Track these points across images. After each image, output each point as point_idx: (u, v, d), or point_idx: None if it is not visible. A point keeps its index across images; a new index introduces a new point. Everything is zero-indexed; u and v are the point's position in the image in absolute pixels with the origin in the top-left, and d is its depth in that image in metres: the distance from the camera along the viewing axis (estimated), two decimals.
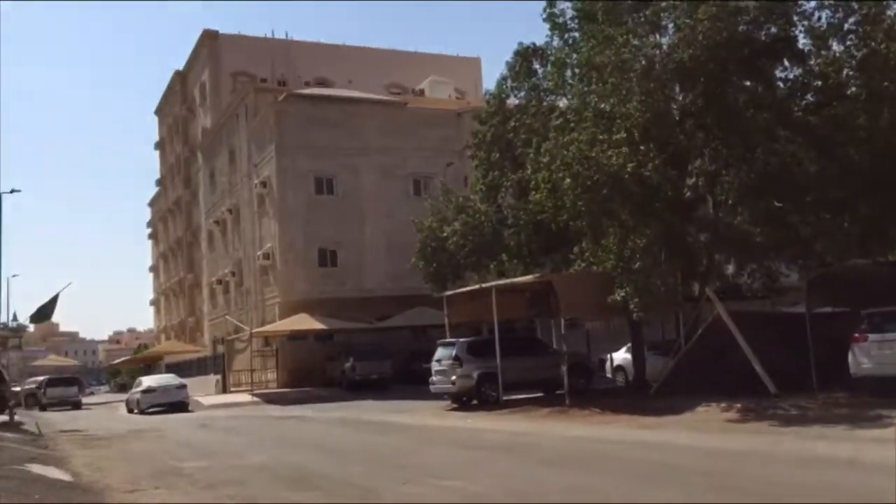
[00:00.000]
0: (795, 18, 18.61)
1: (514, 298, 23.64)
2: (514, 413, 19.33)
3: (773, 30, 18.38)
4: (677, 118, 19.06)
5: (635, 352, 22.96)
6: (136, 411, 31.47)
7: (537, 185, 18.93)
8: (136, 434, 19.89)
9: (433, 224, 24.39)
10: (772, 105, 18.07)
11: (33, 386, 46.93)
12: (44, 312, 23.64)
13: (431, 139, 41.09)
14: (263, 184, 40.20)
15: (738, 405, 15.93)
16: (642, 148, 17.50)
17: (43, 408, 41.55)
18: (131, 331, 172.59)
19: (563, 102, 23.11)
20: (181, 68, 66.12)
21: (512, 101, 24.79)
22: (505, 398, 21.60)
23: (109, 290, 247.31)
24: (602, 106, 18.64)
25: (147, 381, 32.88)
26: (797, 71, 19.02)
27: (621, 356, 25.27)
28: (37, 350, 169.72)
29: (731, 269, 21.72)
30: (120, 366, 70.37)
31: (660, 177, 17.56)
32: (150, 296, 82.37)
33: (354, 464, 11.53)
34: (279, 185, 39.05)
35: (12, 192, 37.86)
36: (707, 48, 17.45)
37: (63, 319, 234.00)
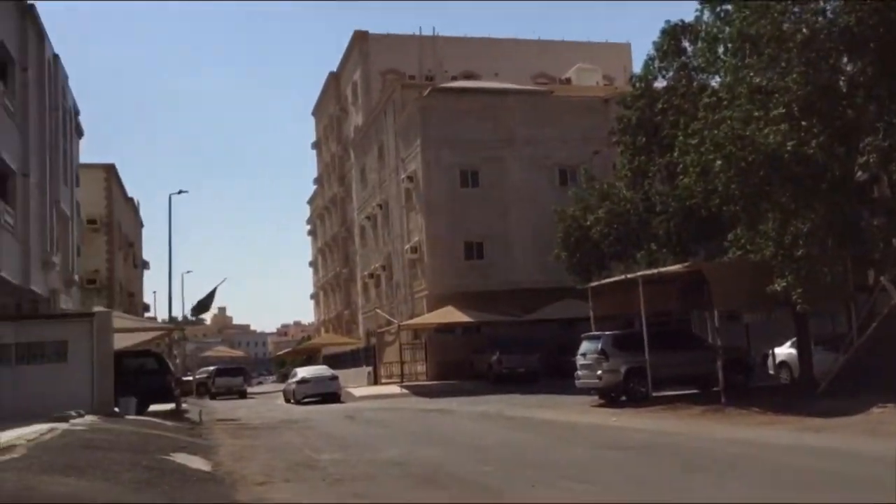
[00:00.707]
0: None
1: (663, 290, 22.47)
2: (664, 411, 18.29)
3: None
4: (844, 90, 17.30)
5: (801, 346, 21.25)
6: (292, 401, 32.58)
7: (686, 168, 17.76)
8: (286, 424, 20.40)
9: (576, 212, 23.54)
10: None
11: (204, 375, 49.85)
12: (202, 306, 24.87)
13: (578, 128, 40.10)
14: (410, 178, 40.64)
15: None
16: (804, 124, 15.99)
17: (212, 396, 43.96)
18: (297, 323, 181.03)
19: (714, 82, 21.71)
20: (335, 69, 68.21)
21: (659, 84, 23.58)
22: (655, 394, 20.56)
23: (278, 285, 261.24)
24: (758, 80, 17.20)
25: (302, 372, 33.99)
26: None
27: (785, 351, 23.48)
28: (213, 341, 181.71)
29: None
30: (284, 356, 73.70)
31: (825, 155, 15.99)
32: (311, 290, 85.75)
33: (488, 461, 11.10)
34: (425, 179, 39.32)
35: (180, 192, 40.49)
36: (878, 11, 15.70)
37: (236, 312, 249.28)
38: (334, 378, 32.87)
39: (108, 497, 7.27)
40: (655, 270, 20.23)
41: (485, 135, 40.01)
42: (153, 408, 24.54)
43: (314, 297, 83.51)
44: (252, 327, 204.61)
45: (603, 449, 12.04)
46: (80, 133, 39.40)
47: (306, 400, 31.50)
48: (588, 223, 22.81)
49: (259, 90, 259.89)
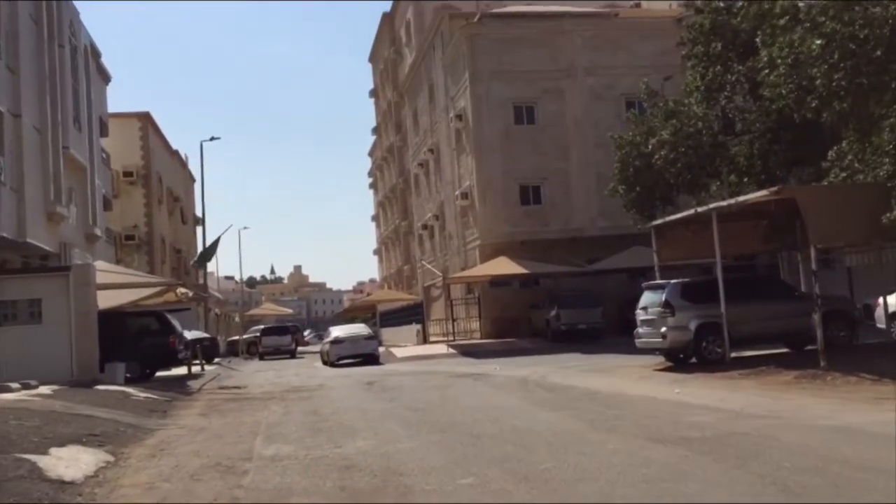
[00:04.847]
0: None
1: (744, 228, 18.36)
2: (745, 378, 14.38)
3: None
4: None
5: None
6: (327, 363, 29.69)
7: (772, 60, 13.54)
8: (288, 393, 17.35)
9: (636, 138, 19.44)
10: None
11: (255, 335, 47.68)
12: (205, 256, 22.10)
13: (647, 53, 35.32)
14: (459, 117, 36.81)
15: None
16: None
17: (261, 357, 41.74)
18: (372, 281, 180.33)
19: None
20: (389, 10, 64.34)
21: None
22: (734, 355, 16.67)
23: (352, 243, 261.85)
24: None
25: (336, 331, 30.91)
26: None
27: None
28: (289, 300, 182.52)
29: None
30: (343, 314, 71.57)
31: None
32: (374, 245, 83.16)
33: (477, 465, 7.61)
34: (475, 117, 35.45)
35: (212, 139, 37.80)
36: None
37: (312, 271, 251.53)
38: (371, 337, 29.77)
39: None
40: (732, 201, 16.06)
41: (541, 65, 35.84)
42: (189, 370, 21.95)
43: (377, 252, 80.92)
44: (328, 285, 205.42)
45: (651, 442, 8.37)
46: (105, 78, 36.89)
47: (342, 361, 28.52)
48: (650, 148, 18.70)
49: (319, 39, 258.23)
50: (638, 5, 47.51)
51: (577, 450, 8.15)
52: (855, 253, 19.15)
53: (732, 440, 8.22)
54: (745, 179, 18.06)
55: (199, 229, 60.46)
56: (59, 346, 18.07)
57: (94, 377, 18.07)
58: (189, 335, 31.13)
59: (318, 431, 10.69)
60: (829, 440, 8.02)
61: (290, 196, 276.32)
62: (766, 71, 13.78)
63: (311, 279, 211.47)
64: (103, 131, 35.56)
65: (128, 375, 20.27)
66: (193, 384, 20.71)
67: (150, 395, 16.00)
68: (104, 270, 21.39)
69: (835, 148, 14.35)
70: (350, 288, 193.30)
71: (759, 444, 7.92)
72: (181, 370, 24.57)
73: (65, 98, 27.99)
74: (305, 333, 74.78)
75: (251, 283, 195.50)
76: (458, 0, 52.12)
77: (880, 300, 18.83)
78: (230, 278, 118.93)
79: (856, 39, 11.54)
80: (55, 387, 15.42)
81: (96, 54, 34.28)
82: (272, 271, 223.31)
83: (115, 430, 10.81)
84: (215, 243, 22.37)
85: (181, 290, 25.14)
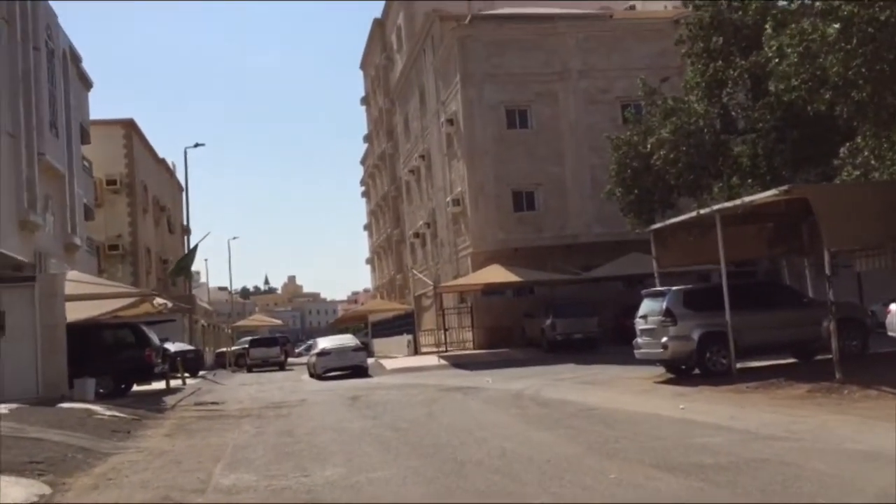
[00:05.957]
0: None
1: (748, 232, 17.45)
2: (754, 391, 13.40)
3: None
4: None
5: None
6: (314, 376, 28.60)
7: (780, 50, 12.58)
8: (265, 410, 16.31)
9: (633, 137, 18.48)
10: None
11: (244, 346, 46.55)
12: (181, 268, 21.07)
13: (643, 55, 34.44)
14: (450, 121, 35.86)
15: None
16: None
17: (249, 369, 40.70)
18: (367, 291, 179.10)
19: None
20: (380, 16, 63.43)
21: None
22: (740, 366, 15.68)
23: (347, 252, 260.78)
24: None
25: (322, 342, 29.81)
26: None
27: None
28: (282, 311, 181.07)
29: None
30: (335, 324, 70.57)
31: None
32: (367, 255, 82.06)
33: (459, 497, 6.65)
34: (466, 121, 34.50)
35: (196, 146, 36.92)
36: None
37: (306, 281, 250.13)
38: (359, 349, 28.65)
39: None
40: (738, 201, 15.07)
41: (535, 67, 34.96)
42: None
43: (370, 261, 79.86)
44: (322, 295, 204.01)
45: (659, 470, 7.37)
46: (87, 84, 35.88)
47: (329, 374, 27.42)
48: (648, 148, 17.74)
49: (310, 46, 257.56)
50: (633, 7, 46.73)
51: (574, 480, 7.14)
52: (865, 257, 18.18)
53: (751, 468, 7.22)
54: (750, 181, 17.09)
55: (186, 239, 59.43)
56: (25, 361, 17.03)
57: (62, 394, 17.06)
58: (173, 347, 30.12)
59: (287, 456, 9.66)
60: (864, 469, 7.02)
61: (285, 205, 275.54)
62: (776, 61, 12.82)
63: (306, 289, 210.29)
64: (84, 138, 34.55)
65: (101, 391, 19.31)
66: (169, 400, 19.65)
67: (116, 414, 14.93)
68: (76, 281, 20.33)
69: (847, 144, 13.41)
70: (344, 298, 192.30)
71: (784, 473, 6.91)
72: (161, 384, 23.50)
73: (40, 103, 26.96)
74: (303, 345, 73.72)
75: (245, 293, 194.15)
76: (450, 0, 51.47)
77: (892, 307, 17.87)
78: (223, 289, 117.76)
79: (875, 22, 10.60)
80: (13, 405, 14.41)
81: (76, 59, 33.30)
82: (266, 281, 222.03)
83: (62, 455, 9.76)
84: (192, 253, 21.43)
85: (158, 300, 24.06)
